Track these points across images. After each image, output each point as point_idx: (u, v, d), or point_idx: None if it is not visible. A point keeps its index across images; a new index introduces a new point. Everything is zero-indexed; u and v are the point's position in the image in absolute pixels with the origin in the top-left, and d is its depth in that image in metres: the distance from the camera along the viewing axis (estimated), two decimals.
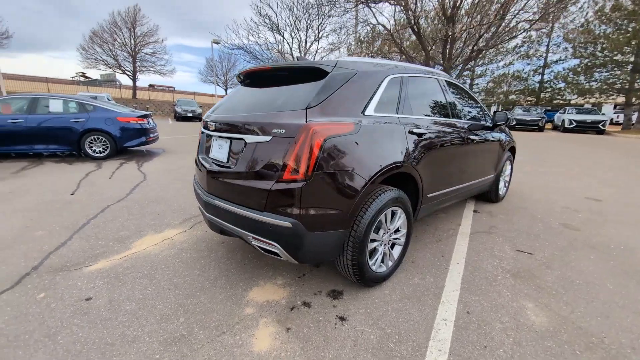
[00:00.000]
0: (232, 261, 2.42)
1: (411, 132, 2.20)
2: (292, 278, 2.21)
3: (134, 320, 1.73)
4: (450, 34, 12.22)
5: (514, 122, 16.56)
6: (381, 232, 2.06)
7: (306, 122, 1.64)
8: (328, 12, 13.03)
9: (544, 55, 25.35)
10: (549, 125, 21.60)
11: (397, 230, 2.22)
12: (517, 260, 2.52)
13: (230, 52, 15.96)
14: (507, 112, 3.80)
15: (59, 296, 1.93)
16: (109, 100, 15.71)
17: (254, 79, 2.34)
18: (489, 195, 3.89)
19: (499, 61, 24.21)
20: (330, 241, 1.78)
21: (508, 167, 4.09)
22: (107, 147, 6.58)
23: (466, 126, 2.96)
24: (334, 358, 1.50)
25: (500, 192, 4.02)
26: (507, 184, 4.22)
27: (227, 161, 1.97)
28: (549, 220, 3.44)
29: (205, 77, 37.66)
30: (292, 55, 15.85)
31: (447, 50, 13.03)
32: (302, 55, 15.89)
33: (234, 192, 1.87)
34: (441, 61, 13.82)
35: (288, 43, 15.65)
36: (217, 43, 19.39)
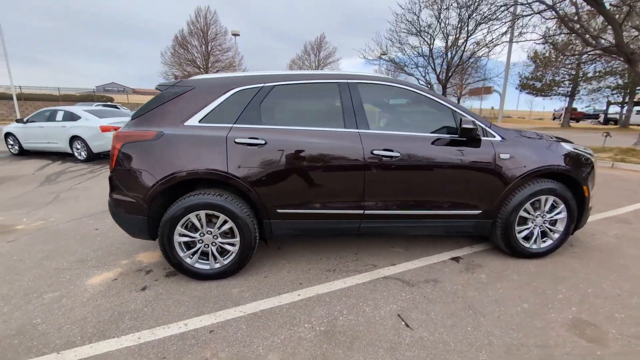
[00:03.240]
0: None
1: (240, 143, 2.19)
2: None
3: None
4: None
5: None
6: (199, 232, 2.25)
7: (121, 129, 2.22)
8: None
9: None
10: None
11: (226, 235, 2.29)
12: None
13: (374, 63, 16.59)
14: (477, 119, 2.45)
15: None
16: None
17: None
18: (495, 241, 2.61)
19: None
20: (133, 222, 2.27)
21: (548, 204, 2.50)
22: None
23: (380, 137, 2.32)
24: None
25: (524, 243, 2.56)
26: (554, 234, 2.58)
27: None
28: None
29: None
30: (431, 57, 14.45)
31: None
32: (451, 51, 14.04)
33: None
34: None
35: (428, 42, 14.36)
36: (237, 35, 23.40)
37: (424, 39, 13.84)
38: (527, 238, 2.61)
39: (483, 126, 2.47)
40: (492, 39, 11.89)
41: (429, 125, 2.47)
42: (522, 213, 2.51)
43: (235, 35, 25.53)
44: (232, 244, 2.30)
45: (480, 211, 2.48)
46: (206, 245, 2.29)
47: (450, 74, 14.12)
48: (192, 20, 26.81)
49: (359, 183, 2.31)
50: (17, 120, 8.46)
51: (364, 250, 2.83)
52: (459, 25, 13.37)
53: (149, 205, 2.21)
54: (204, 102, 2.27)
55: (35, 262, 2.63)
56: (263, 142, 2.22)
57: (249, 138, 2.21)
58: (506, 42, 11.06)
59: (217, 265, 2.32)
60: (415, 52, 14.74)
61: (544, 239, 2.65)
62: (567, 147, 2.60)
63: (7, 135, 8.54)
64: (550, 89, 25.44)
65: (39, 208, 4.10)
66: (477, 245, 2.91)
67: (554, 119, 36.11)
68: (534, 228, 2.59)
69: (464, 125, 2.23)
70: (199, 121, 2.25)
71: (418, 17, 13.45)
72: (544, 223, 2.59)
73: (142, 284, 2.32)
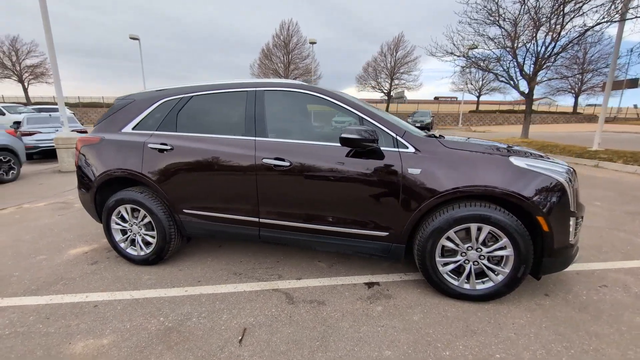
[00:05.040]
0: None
1: (152, 148, 2.47)
2: None
3: None
4: None
5: None
6: (127, 223, 2.64)
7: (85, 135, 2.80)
8: None
9: None
10: None
11: (147, 228, 2.61)
12: None
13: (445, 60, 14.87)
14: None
15: None
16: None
17: None
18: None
19: None
20: (87, 207, 2.83)
21: (482, 234, 1.93)
22: None
23: (271, 144, 2.26)
24: None
25: (450, 280, 2.07)
26: (498, 275, 1.98)
27: None
28: None
29: (456, 85, 36.29)
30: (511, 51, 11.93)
31: None
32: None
33: None
34: None
35: (510, 33, 11.95)
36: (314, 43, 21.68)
37: (504, 28, 11.72)
38: (459, 273, 2.10)
39: (393, 135, 2.10)
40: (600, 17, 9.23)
41: (336, 133, 2.25)
42: (445, 242, 2.03)
43: (312, 43, 26.96)
44: (152, 237, 2.62)
45: (387, 234, 2.13)
46: (134, 235, 2.68)
47: (540, 67, 11.56)
48: (276, 33, 29.63)
49: (252, 191, 2.30)
50: None
51: (287, 260, 2.77)
52: (554, 5, 10.83)
53: (94, 196, 2.72)
54: (137, 112, 2.65)
55: (57, 233, 3.53)
56: (170, 147, 2.45)
57: (160, 144, 2.48)
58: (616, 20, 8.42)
59: (142, 253, 2.67)
60: (495, 44, 12.62)
61: (483, 279, 2.08)
62: (518, 163, 1.97)
63: None
64: None
65: None
66: (412, 274, 2.47)
67: None
68: (464, 263, 2.06)
69: (343, 135, 1.96)
70: (132, 128, 2.64)
71: (497, 3, 11.47)
72: (479, 258, 2.03)
73: (97, 259, 2.86)
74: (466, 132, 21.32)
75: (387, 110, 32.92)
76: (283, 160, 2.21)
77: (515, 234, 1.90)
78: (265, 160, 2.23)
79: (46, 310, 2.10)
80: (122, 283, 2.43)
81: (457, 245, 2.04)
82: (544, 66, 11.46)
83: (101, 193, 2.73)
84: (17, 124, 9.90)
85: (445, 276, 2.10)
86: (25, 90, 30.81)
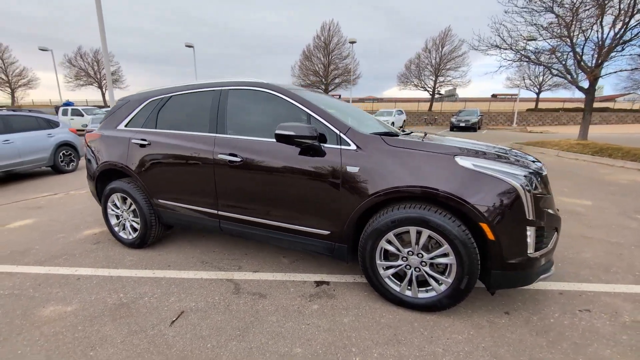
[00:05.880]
0: None
1: (134, 143, 2.75)
2: None
3: None
4: None
5: None
6: (121, 209, 2.98)
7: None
8: None
9: None
10: None
11: (133, 214, 2.92)
12: None
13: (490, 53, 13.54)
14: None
15: None
16: None
17: None
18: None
19: None
20: (93, 193, 3.23)
21: (422, 239, 1.79)
22: None
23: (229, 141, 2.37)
24: None
25: (391, 285, 1.97)
26: (441, 285, 1.82)
27: None
28: None
29: (512, 81, 32.71)
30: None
31: None
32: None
33: None
34: None
35: (565, 21, 10.33)
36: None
37: (559, 16, 10.26)
38: (402, 279, 1.97)
39: (337, 132, 2.05)
40: None
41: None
42: (385, 245, 1.93)
43: (352, 42, 26.78)
44: (137, 223, 2.92)
45: (329, 232, 2.08)
46: (125, 220, 3.01)
47: (605, 57, 9.88)
48: (317, 35, 30.02)
49: (212, 184, 2.44)
50: None
51: (255, 253, 2.86)
52: None
53: (95, 184, 3.13)
54: (130, 111, 2.98)
55: (83, 216, 4.11)
56: (148, 143, 2.71)
57: (140, 139, 2.75)
58: None
59: (130, 237, 3.00)
60: (550, 34, 11.13)
61: (427, 288, 1.92)
62: (463, 163, 1.77)
63: None
64: None
65: None
66: None
67: None
68: (406, 268, 1.93)
69: (277, 131, 1.96)
70: (125, 126, 2.97)
71: None
72: (421, 265, 1.88)
73: (100, 240, 3.28)
74: (516, 133, 19.21)
75: (430, 109, 31.21)
76: (236, 156, 2.30)
77: (456, 240, 1.72)
78: (220, 156, 2.35)
79: (41, 278, 2.49)
80: (108, 262, 2.76)
81: (397, 249, 1.92)
82: (609, 57, 9.83)
83: (101, 182, 3.13)
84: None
85: (387, 280, 1.99)
86: (103, 94, 35.82)
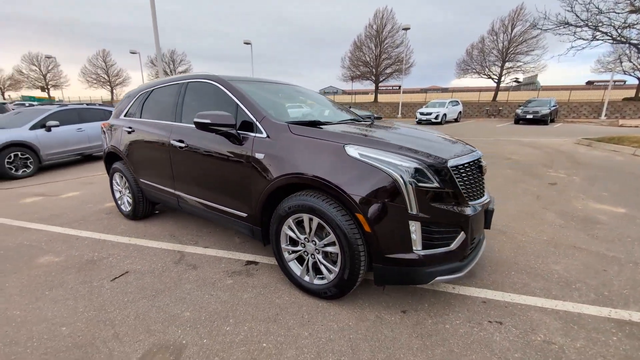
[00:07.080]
0: None
1: (124, 130, 3.24)
2: None
3: None
4: None
5: None
6: (120, 186, 3.57)
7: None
8: None
9: None
10: None
11: (128, 190, 3.46)
12: None
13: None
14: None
15: None
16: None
17: None
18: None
19: None
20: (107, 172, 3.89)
21: (313, 226, 1.81)
22: None
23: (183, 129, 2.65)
24: None
25: (294, 269, 2.02)
26: (331, 273, 1.81)
27: None
28: None
29: (604, 65, 26.73)
30: None
31: None
32: None
33: None
34: None
35: None
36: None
37: None
38: (302, 263, 2.02)
39: (253, 120, 2.15)
40: None
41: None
42: (287, 230, 1.99)
43: (406, 29, 25.32)
44: (130, 198, 3.46)
45: (246, 214, 2.22)
46: (123, 195, 3.60)
47: None
48: (369, 23, 29.09)
49: (169, 167, 2.78)
50: None
51: (217, 233, 3.16)
52: None
53: (106, 163, 3.79)
54: (128, 103, 3.51)
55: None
56: (132, 130, 3.18)
57: (128, 127, 3.24)
58: None
59: (127, 210, 3.57)
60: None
61: (322, 275, 1.93)
62: (351, 152, 1.71)
63: None
64: None
65: None
66: None
67: None
68: (304, 254, 1.96)
69: (195, 119, 2.14)
70: (124, 116, 3.52)
71: None
72: (316, 252, 1.90)
73: (112, 211, 3.96)
74: (599, 127, 15.91)
75: (494, 99, 27.80)
76: (182, 142, 2.58)
77: (338, 230, 1.71)
78: (172, 142, 2.67)
79: (54, 236, 3.18)
80: (106, 228, 3.36)
81: (297, 235, 1.97)
82: None
83: (109, 163, 3.77)
84: None
85: (291, 264, 2.07)
86: None
